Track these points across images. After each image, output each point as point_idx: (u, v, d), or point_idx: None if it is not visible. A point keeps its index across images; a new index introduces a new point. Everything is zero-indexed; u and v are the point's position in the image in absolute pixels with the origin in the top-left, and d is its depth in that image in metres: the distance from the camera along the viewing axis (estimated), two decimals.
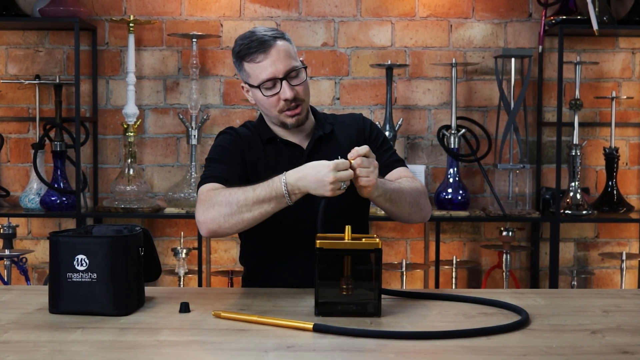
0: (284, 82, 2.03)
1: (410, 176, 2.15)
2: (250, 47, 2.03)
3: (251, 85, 2.07)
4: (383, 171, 2.12)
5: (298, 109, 2.06)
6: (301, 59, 2.12)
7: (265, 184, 1.88)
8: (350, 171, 1.82)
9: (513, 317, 1.71)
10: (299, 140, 2.14)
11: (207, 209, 1.93)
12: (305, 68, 2.09)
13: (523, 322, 1.65)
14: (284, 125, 2.09)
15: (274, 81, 2.03)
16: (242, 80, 2.12)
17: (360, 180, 1.84)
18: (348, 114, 2.28)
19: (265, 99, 2.05)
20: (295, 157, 2.10)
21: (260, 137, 2.13)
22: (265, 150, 2.12)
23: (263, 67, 2.02)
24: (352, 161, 1.83)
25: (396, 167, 2.17)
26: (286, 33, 2.09)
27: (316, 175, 1.82)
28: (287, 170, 1.89)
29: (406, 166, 2.21)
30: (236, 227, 1.93)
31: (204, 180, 2.03)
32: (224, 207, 1.90)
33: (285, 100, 2.03)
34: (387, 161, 2.17)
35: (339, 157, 1.85)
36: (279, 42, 2.03)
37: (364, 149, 1.85)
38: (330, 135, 2.16)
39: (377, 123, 2.28)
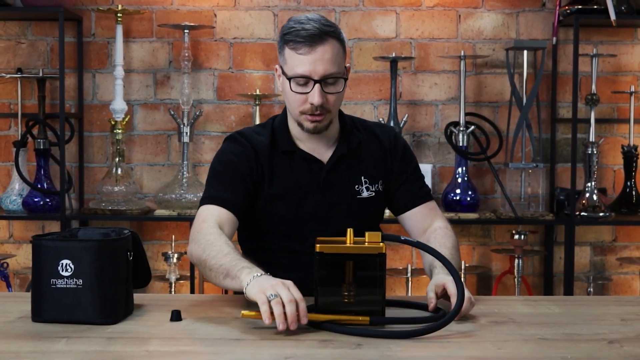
0: (317, 86, 1.97)
1: (439, 216, 2.16)
2: (299, 35, 1.96)
3: (284, 73, 2.03)
4: (409, 204, 2.15)
5: (320, 117, 2.01)
6: (348, 65, 2.06)
7: (239, 266, 1.76)
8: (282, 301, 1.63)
9: (525, 325, 1.71)
10: (321, 152, 2.10)
11: (192, 241, 1.95)
12: (345, 80, 2.03)
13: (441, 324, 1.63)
14: (300, 126, 2.06)
15: (307, 80, 1.98)
16: (279, 62, 2.06)
17: None
18: (381, 125, 2.24)
19: (292, 94, 2.01)
20: (314, 173, 2.09)
21: (278, 145, 2.09)
22: (282, 161, 2.09)
23: (302, 61, 1.97)
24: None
25: (423, 202, 2.17)
26: (342, 32, 2.04)
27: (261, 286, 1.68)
28: (303, 182, 2.03)
29: (433, 198, 2.20)
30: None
31: (205, 199, 2.02)
32: (200, 251, 1.89)
33: (312, 104, 1.99)
34: (416, 194, 2.17)
35: (363, 178, 2.08)
36: (329, 41, 1.97)
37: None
38: (356, 152, 2.12)
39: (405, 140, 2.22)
